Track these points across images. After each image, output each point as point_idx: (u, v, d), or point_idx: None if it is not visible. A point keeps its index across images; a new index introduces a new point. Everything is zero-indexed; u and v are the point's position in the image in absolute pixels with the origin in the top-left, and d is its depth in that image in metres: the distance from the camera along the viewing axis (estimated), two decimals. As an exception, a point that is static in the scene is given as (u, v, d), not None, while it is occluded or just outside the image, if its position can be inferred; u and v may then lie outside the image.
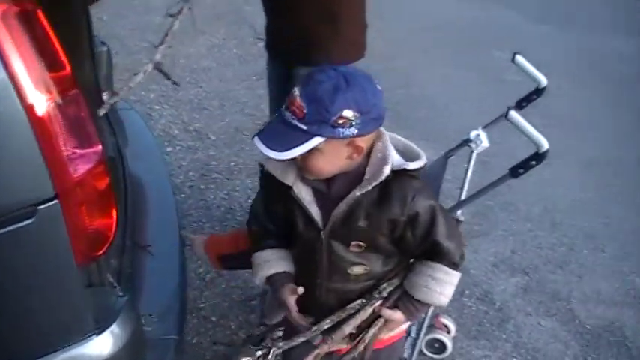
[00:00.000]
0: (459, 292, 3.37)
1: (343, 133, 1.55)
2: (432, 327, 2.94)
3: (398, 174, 1.67)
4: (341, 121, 1.53)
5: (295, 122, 1.55)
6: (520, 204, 4.14)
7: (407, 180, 1.69)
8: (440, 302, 1.84)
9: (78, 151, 1.44)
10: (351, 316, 1.84)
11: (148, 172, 2.65)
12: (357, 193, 1.66)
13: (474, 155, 2.68)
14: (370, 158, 1.67)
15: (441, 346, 2.99)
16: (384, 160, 1.66)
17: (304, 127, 1.54)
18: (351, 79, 1.56)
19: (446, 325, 3.06)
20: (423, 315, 2.69)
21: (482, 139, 2.60)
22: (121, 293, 1.68)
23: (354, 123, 1.54)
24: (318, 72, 1.58)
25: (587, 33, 7.52)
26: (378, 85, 1.61)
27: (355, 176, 1.67)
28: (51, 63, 1.42)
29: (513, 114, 2.04)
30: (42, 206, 1.38)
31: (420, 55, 6.41)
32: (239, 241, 2.37)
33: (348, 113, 1.53)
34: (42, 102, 1.35)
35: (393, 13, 7.43)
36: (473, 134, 2.65)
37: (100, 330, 1.57)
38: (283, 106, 1.60)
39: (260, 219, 1.91)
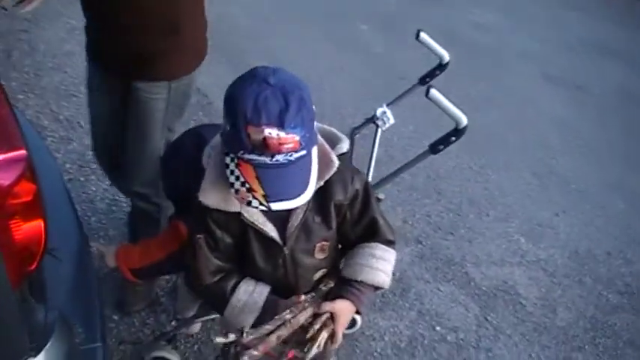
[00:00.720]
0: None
1: (315, 142, 1.54)
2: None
3: None
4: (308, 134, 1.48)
5: (296, 155, 1.44)
6: (404, 174, 4.19)
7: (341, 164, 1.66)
8: (383, 281, 1.80)
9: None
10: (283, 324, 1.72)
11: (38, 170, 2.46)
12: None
13: (380, 132, 2.67)
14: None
15: (351, 322, 2.99)
16: (327, 150, 1.62)
17: (304, 152, 1.46)
18: (280, 83, 1.48)
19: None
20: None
21: (388, 117, 2.61)
22: (50, 308, 1.54)
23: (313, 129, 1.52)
24: (263, 100, 1.43)
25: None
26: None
27: None
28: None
29: (434, 92, 2.04)
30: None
31: (288, 31, 6.35)
32: (151, 253, 2.24)
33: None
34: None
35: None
36: (379, 111, 2.65)
37: (36, 350, 1.42)
38: (264, 154, 1.43)
39: (213, 262, 1.74)
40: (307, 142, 1.45)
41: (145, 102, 2.30)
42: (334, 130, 1.75)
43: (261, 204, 1.46)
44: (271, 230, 1.66)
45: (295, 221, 1.65)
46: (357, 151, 2.90)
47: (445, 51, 2.67)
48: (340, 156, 1.66)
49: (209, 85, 4.96)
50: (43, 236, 1.43)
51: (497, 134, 5.11)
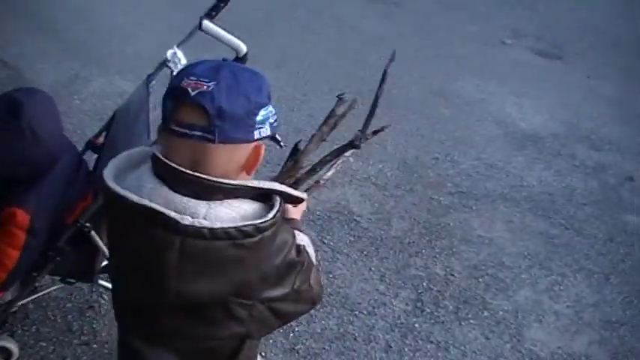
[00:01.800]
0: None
1: None
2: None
3: None
4: None
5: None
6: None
7: None
8: None
9: None
10: None
11: None
12: None
13: (174, 74, 2.57)
14: None
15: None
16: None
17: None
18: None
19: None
20: None
21: (179, 57, 2.50)
22: None
23: None
24: None
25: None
26: None
27: None
28: None
29: (207, 23, 1.97)
30: None
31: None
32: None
33: None
34: None
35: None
36: (169, 53, 2.54)
37: None
38: None
39: None
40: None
41: None
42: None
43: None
44: None
45: None
46: (154, 96, 2.80)
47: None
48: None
49: (16, 56, 4.70)
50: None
51: (318, 61, 5.13)
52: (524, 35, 6.44)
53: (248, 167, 1.24)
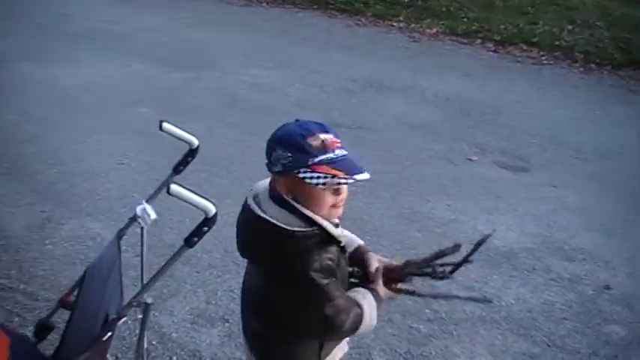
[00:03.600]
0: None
1: None
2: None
3: None
4: None
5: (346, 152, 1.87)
6: (199, 253, 4.15)
7: None
8: None
9: None
10: None
11: None
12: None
13: (145, 231, 2.59)
14: None
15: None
16: None
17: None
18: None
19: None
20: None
21: (149, 212, 2.52)
22: None
23: None
24: (305, 124, 1.87)
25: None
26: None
27: None
28: None
29: (175, 187, 1.99)
30: None
31: (68, 126, 6.21)
32: None
33: None
34: None
35: (28, 88, 7.12)
36: (139, 209, 2.56)
37: None
38: (327, 152, 1.82)
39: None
40: None
41: None
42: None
43: (346, 179, 1.82)
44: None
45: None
46: (125, 256, 2.80)
47: (192, 136, 2.63)
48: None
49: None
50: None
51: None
52: (490, 150, 6.57)
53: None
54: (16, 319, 3.47)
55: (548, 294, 4.24)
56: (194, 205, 2.09)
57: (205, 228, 2.09)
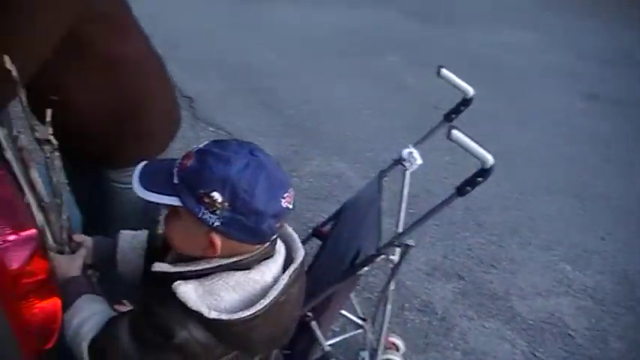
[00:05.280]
0: (400, 307, 3.32)
1: (202, 214, 1.32)
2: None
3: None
4: (206, 200, 1.30)
5: (175, 171, 1.34)
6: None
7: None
8: None
9: (11, 237, 1.28)
10: None
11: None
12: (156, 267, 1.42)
13: (408, 174, 2.60)
14: (210, 265, 1.39)
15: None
16: (211, 284, 1.38)
17: (176, 181, 1.33)
18: (255, 170, 1.32)
19: (394, 344, 3.00)
20: (377, 338, 2.64)
21: (415, 157, 2.53)
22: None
23: (218, 212, 1.31)
24: (237, 143, 1.38)
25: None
26: (285, 202, 1.36)
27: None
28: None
29: (457, 133, 1.97)
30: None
31: (319, 67, 6.40)
32: None
33: (216, 196, 1.29)
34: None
35: (279, 25, 7.42)
36: (405, 152, 2.57)
37: None
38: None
39: None
40: (184, 183, 1.33)
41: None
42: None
43: None
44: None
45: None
46: (386, 193, 2.83)
47: (468, 85, 2.58)
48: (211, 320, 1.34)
49: (242, 128, 4.98)
50: (59, 314, 1.40)
51: (536, 158, 5.01)
52: None
53: None
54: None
55: None
56: (472, 153, 2.06)
57: (480, 178, 2.05)
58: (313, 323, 2.31)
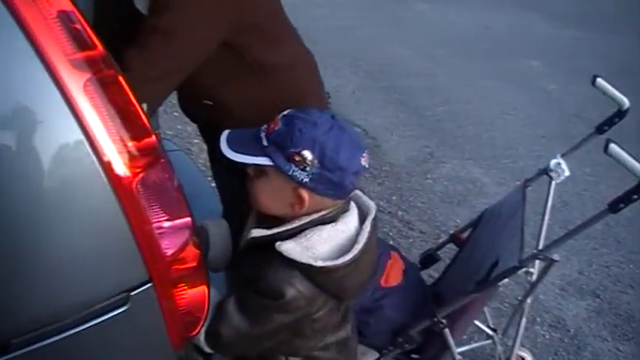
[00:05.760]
0: (531, 321, 3.22)
1: (292, 171, 1.46)
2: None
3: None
4: (297, 158, 1.44)
5: (262, 134, 1.49)
6: (580, 221, 3.96)
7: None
8: None
9: (167, 224, 1.31)
10: None
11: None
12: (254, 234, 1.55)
13: (554, 185, 2.52)
14: (301, 222, 1.51)
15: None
16: (307, 239, 1.49)
17: (265, 143, 1.48)
18: (338, 131, 1.47)
19: (523, 358, 2.91)
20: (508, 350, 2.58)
21: (563, 168, 2.45)
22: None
23: (308, 169, 1.45)
24: (317, 109, 1.54)
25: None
26: (363, 161, 1.50)
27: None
28: (134, 130, 1.28)
29: (614, 147, 1.89)
30: (135, 292, 1.25)
31: (457, 68, 6.30)
32: None
33: (306, 154, 1.44)
34: (128, 174, 1.21)
35: (414, 22, 7.36)
36: (553, 163, 2.50)
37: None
38: None
39: None
40: (273, 144, 1.48)
41: None
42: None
43: None
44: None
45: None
46: (529, 202, 2.74)
47: (624, 97, 2.46)
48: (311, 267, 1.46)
49: (377, 126, 4.97)
50: (207, 302, 1.43)
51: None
52: None
53: None
54: (390, 242, 3.63)
55: None
56: (629, 169, 1.97)
57: (635, 196, 1.95)
58: (446, 331, 2.26)
